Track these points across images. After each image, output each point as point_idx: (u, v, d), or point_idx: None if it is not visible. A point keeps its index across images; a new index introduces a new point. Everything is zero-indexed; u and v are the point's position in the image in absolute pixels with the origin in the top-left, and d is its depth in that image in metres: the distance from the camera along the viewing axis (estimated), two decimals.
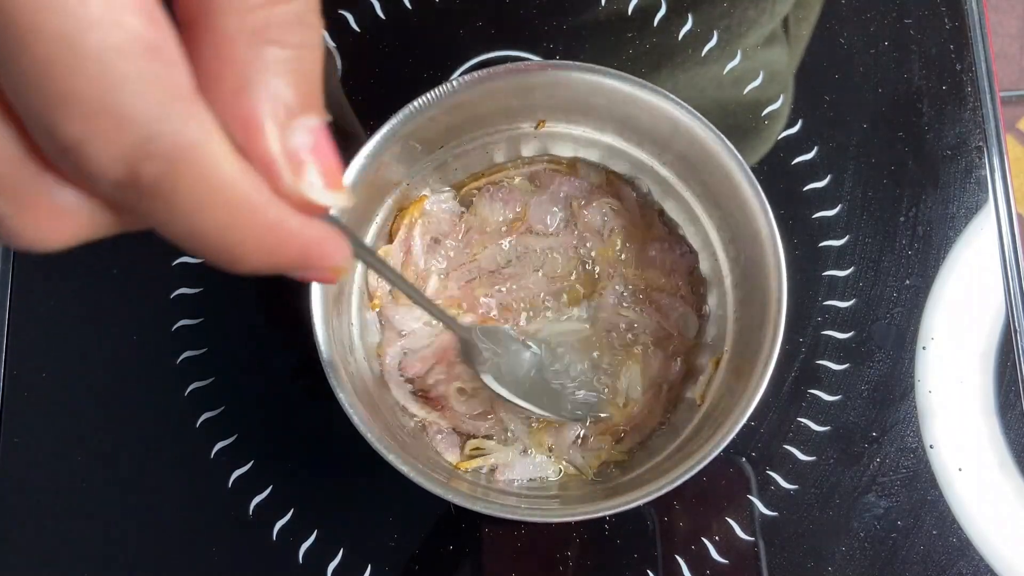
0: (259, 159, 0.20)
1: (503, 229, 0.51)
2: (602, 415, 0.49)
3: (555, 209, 0.51)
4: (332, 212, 0.22)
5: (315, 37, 0.20)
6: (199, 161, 0.18)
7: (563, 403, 0.48)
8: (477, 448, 0.48)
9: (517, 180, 0.52)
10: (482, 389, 0.48)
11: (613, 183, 0.51)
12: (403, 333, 0.49)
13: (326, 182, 0.21)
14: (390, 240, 0.50)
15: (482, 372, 0.44)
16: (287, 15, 0.19)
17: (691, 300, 0.50)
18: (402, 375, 0.49)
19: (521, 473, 0.48)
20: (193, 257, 0.19)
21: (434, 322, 0.49)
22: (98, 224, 0.21)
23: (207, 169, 0.18)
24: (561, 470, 0.48)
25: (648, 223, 0.51)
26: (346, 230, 0.24)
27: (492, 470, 0.48)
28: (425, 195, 0.50)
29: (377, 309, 0.49)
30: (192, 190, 0.18)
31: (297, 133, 0.20)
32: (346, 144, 0.54)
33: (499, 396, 0.44)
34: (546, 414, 0.46)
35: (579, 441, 0.49)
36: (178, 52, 0.18)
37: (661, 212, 0.51)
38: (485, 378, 0.44)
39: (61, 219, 0.20)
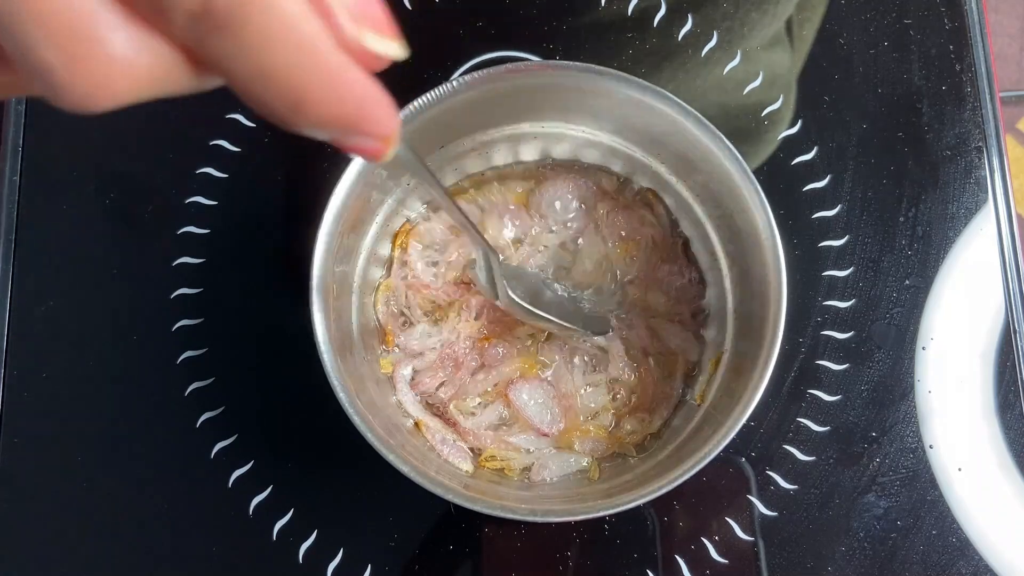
0: (319, 7, 0.20)
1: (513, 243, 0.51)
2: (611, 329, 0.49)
3: (560, 202, 0.51)
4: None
5: None
6: None
7: (576, 317, 0.48)
8: (492, 456, 0.48)
9: (519, 191, 0.52)
10: (489, 405, 0.48)
11: (648, 199, 0.51)
12: (414, 354, 0.49)
13: (379, 32, 0.22)
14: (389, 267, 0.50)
15: (501, 288, 0.43)
16: None
17: (691, 326, 0.50)
18: (413, 391, 0.49)
19: (556, 471, 0.48)
20: (255, 109, 0.21)
21: (441, 339, 0.49)
22: (155, 76, 0.20)
23: (278, 7, 0.19)
24: (591, 460, 0.48)
25: (672, 247, 0.51)
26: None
27: (525, 469, 0.48)
28: (407, 222, 0.50)
29: (391, 346, 0.49)
30: (263, 26, 0.19)
31: None
32: None
33: (518, 308, 0.44)
34: (564, 323, 0.45)
35: (613, 422, 0.49)
36: None
37: (686, 243, 0.51)
38: (504, 290, 0.43)
39: (116, 69, 0.19)
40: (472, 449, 0.48)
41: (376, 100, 0.22)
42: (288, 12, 0.19)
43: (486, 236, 0.50)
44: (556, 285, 0.50)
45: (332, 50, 0.21)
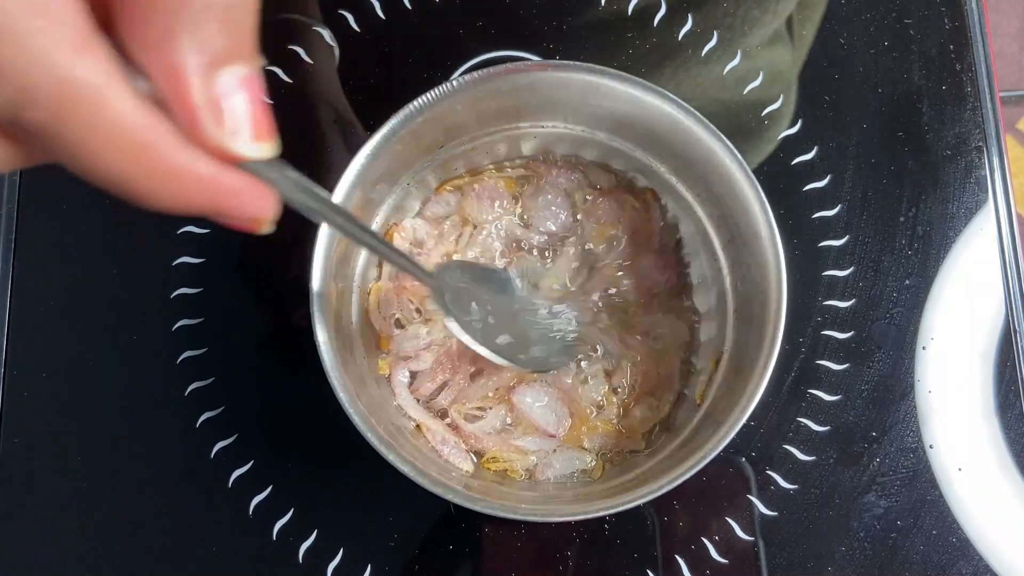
0: (182, 106, 0.20)
1: (498, 229, 0.51)
2: (576, 357, 0.49)
3: (554, 209, 0.51)
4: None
5: None
6: (88, 107, 0.19)
7: (535, 351, 0.47)
8: (494, 458, 0.48)
9: (508, 172, 0.51)
10: (491, 409, 0.48)
11: (646, 199, 0.51)
12: (407, 356, 0.49)
13: (251, 133, 0.21)
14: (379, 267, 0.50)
15: (447, 319, 0.43)
16: None
17: (670, 307, 0.50)
18: (413, 396, 0.49)
19: (561, 469, 0.48)
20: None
21: (432, 339, 0.49)
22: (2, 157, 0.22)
23: (98, 114, 0.19)
24: (595, 459, 0.48)
25: (662, 242, 0.51)
26: (293, 183, 0.25)
27: (529, 471, 0.48)
28: (394, 223, 0.50)
29: (387, 349, 0.49)
30: (81, 134, 0.19)
31: (222, 81, 0.20)
32: (341, 132, 0.54)
33: (465, 343, 0.43)
34: (508, 363, 0.45)
35: (620, 413, 0.49)
36: (68, 5, 0.19)
37: (678, 242, 0.51)
38: (450, 325, 0.43)
39: None
40: (475, 451, 0.48)
41: (233, 190, 0.22)
42: (113, 119, 0.19)
43: (468, 218, 0.51)
44: (522, 292, 0.49)
45: (174, 148, 0.21)
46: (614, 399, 0.49)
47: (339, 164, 0.42)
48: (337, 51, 0.56)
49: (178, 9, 0.19)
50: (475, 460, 0.48)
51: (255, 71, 0.21)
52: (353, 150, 0.42)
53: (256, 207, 0.24)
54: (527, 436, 0.48)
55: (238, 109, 0.21)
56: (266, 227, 0.25)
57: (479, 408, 0.49)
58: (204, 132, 0.21)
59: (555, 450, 0.48)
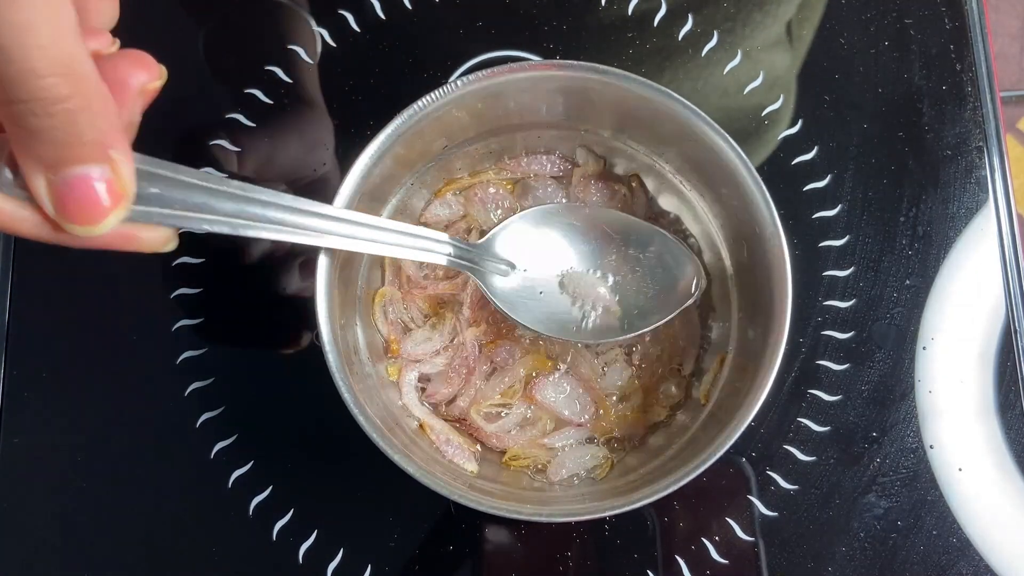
0: (32, 194, 0.28)
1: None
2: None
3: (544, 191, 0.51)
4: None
5: (77, 111, 0.25)
6: None
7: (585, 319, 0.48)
8: (516, 456, 0.48)
9: (506, 174, 0.51)
10: (513, 405, 0.48)
11: (631, 185, 0.51)
12: (416, 359, 0.49)
13: (83, 219, 0.28)
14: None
15: (489, 293, 0.45)
16: (48, 108, 0.25)
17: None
18: (426, 402, 0.48)
19: (573, 468, 0.47)
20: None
21: (441, 342, 0.49)
22: None
23: None
24: (606, 454, 0.48)
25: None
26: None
27: (541, 470, 0.48)
28: None
29: (396, 354, 0.49)
30: None
31: (59, 181, 0.27)
32: (341, 132, 0.54)
33: (506, 315, 0.45)
34: (553, 335, 0.46)
35: (643, 396, 0.49)
36: None
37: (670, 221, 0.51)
38: (489, 295, 0.45)
39: None
40: (494, 450, 0.48)
41: (103, 243, 0.30)
42: None
43: (475, 222, 0.51)
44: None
45: (34, 224, 0.28)
46: (636, 383, 0.49)
47: (341, 165, 0.42)
48: (338, 51, 0.56)
49: (22, 131, 0.26)
50: (479, 460, 0.48)
51: (90, 170, 0.27)
52: (354, 151, 0.42)
53: (135, 245, 0.32)
54: (556, 432, 0.48)
55: (70, 201, 0.27)
56: (167, 248, 0.34)
57: (498, 405, 0.48)
58: (48, 214, 0.28)
59: (570, 446, 0.48)
